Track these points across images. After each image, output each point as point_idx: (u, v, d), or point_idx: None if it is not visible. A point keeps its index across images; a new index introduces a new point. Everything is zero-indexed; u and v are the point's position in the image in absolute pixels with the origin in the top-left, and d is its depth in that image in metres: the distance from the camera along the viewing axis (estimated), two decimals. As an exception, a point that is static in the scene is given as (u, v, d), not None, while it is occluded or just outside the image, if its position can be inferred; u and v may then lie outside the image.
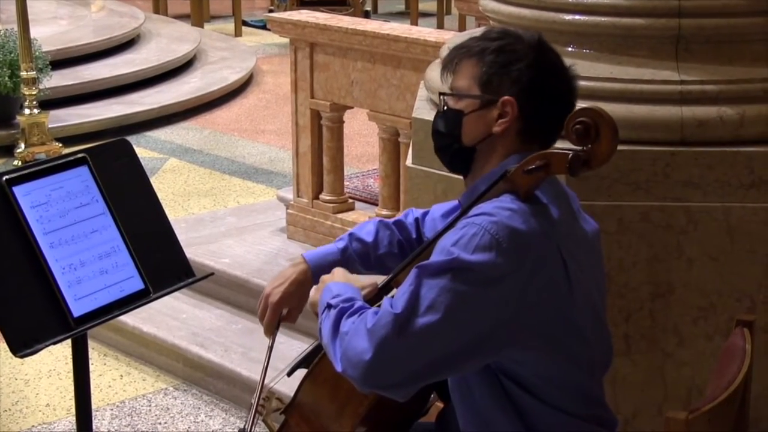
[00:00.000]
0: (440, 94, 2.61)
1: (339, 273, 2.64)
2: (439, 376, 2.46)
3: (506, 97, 2.46)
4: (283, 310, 2.79)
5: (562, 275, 2.40)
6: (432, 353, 2.34)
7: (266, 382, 2.79)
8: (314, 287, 2.66)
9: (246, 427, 2.74)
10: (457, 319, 2.32)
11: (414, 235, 2.87)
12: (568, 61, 2.57)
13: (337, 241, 2.86)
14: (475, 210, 2.41)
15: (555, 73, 2.51)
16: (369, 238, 2.84)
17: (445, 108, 2.57)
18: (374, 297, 2.57)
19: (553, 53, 2.54)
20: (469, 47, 2.54)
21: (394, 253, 2.84)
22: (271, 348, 2.81)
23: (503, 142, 2.49)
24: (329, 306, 2.49)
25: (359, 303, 2.49)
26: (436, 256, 2.37)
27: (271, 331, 2.80)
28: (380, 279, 2.68)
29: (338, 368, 2.40)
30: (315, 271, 2.79)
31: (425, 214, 2.88)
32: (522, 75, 2.46)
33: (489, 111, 2.49)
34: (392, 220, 2.90)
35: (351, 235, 2.86)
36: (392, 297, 2.40)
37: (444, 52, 3.42)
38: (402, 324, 2.32)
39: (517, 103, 2.46)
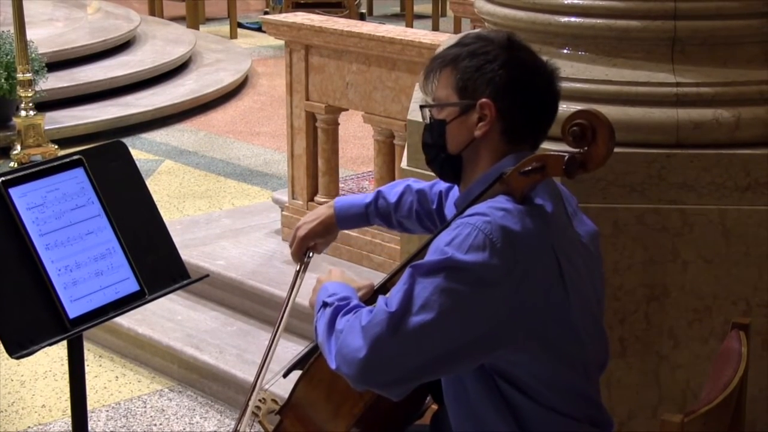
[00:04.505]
0: (421, 107, 2.61)
1: (336, 273, 2.66)
2: (434, 375, 2.46)
3: (483, 100, 2.46)
4: (310, 242, 2.99)
5: (556, 276, 2.40)
6: (426, 352, 2.35)
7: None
8: (312, 289, 2.67)
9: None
10: (451, 319, 2.32)
11: (434, 206, 2.89)
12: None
13: (366, 195, 2.98)
14: (469, 210, 2.41)
15: (529, 70, 2.50)
16: (393, 200, 2.94)
17: (430, 120, 2.58)
18: (370, 298, 2.57)
19: (525, 51, 2.53)
20: (443, 56, 2.54)
21: (412, 220, 2.93)
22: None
23: (487, 146, 2.49)
24: (325, 304, 2.51)
25: (355, 302, 2.51)
26: (430, 255, 2.38)
27: (298, 259, 2.99)
28: (376, 280, 2.69)
29: (333, 366, 2.41)
30: (339, 218, 2.98)
31: (449, 189, 2.87)
32: (496, 75, 2.46)
33: (469, 116, 2.49)
34: (419, 186, 2.96)
35: (380, 192, 2.98)
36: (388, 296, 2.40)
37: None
38: (396, 322, 2.33)
39: (494, 104, 2.45)
